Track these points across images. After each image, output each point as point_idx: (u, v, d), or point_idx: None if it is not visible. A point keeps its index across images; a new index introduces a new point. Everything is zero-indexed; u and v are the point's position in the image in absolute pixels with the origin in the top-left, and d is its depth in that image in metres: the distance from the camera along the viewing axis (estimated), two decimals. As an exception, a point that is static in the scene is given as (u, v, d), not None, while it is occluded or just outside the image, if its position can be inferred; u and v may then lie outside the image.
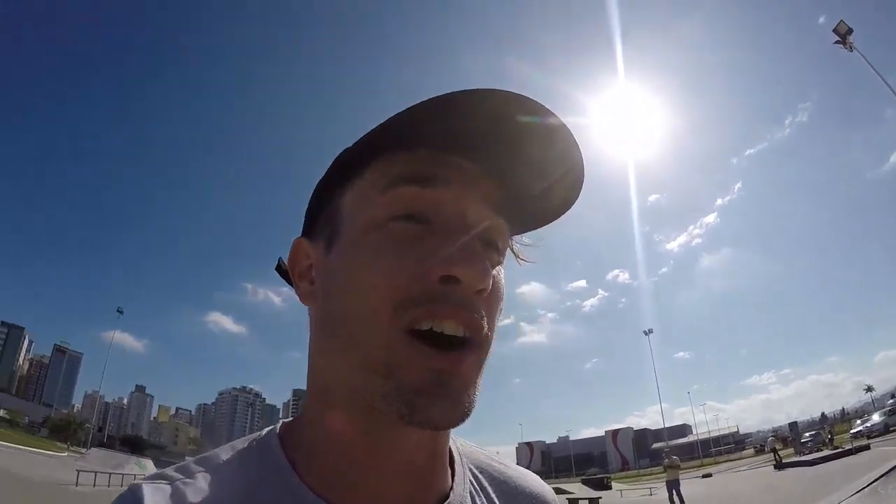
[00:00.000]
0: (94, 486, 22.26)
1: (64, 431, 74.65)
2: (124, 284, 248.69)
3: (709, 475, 35.65)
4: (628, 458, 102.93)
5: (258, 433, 0.51)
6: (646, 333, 72.25)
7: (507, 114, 0.41)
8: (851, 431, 38.14)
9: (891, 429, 32.86)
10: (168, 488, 0.43)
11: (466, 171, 0.44)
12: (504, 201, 0.46)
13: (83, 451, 54.88)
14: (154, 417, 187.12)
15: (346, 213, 0.46)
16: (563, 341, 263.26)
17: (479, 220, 0.44)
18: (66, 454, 47.76)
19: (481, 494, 0.52)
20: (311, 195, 0.52)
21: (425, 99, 0.40)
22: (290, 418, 0.52)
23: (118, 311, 75.70)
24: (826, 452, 22.04)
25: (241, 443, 0.49)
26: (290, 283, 0.53)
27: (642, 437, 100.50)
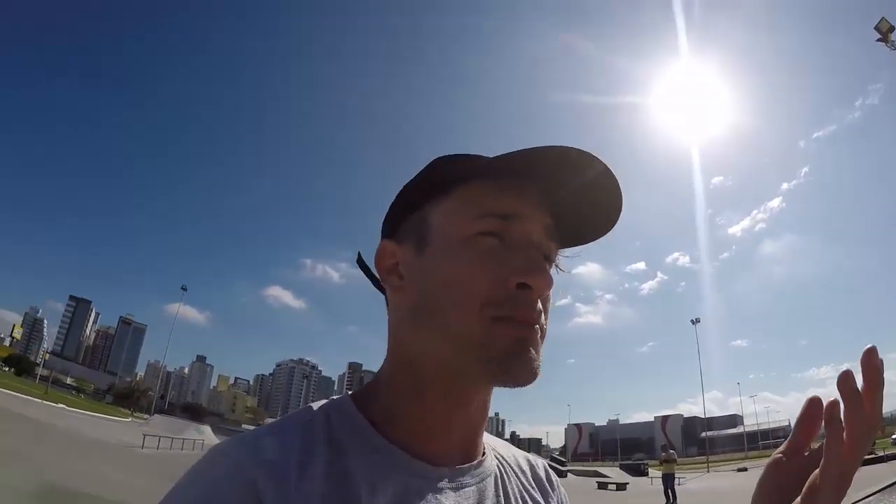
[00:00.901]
0: (158, 448, 24.46)
1: (128, 398, 79.39)
2: (191, 260, 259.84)
3: (744, 469, 35.13)
4: (675, 445, 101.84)
5: (328, 399, 0.60)
6: (693, 322, 70.94)
7: (575, 165, 0.53)
8: (893, 437, 36.32)
9: None
10: (252, 445, 0.50)
11: (535, 204, 0.56)
12: (555, 228, 0.59)
13: (146, 416, 58.31)
14: (213, 387, 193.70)
15: (437, 225, 0.57)
16: (618, 323, 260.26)
17: (540, 240, 0.57)
18: (130, 420, 50.94)
19: (496, 456, 0.65)
20: (392, 204, 0.63)
21: (514, 150, 0.52)
22: (351, 391, 0.62)
23: (182, 287, 79.72)
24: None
25: (312, 406, 0.58)
26: (368, 275, 0.66)
27: (692, 425, 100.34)
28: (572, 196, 0.57)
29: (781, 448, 0.51)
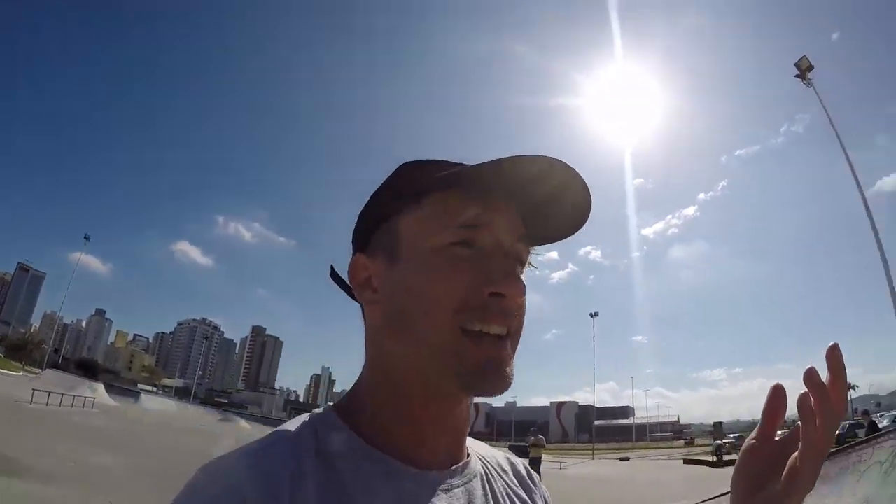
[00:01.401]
0: (47, 404, 23.26)
1: (20, 351, 74.82)
2: (96, 206, 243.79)
3: (626, 458, 37.87)
4: (568, 431, 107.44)
5: (311, 412, 0.61)
6: (592, 316, 73.69)
7: (546, 174, 0.55)
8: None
9: None
10: (244, 462, 0.50)
11: (506, 210, 0.58)
12: (527, 232, 0.61)
13: (38, 371, 54.80)
14: (111, 343, 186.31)
15: (408, 236, 0.58)
16: (525, 309, 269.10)
17: (512, 245, 0.58)
18: (20, 374, 48.43)
19: (480, 459, 0.67)
20: (361, 214, 0.64)
21: (485, 161, 0.54)
22: (334, 403, 0.62)
23: (85, 237, 75.57)
24: (735, 456, 23.59)
25: (297, 422, 0.59)
26: (343, 288, 0.67)
27: (586, 413, 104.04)
28: (543, 201, 0.59)
29: (753, 434, 0.57)
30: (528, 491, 0.70)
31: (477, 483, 0.62)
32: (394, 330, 0.58)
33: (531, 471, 0.75)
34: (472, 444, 0.68)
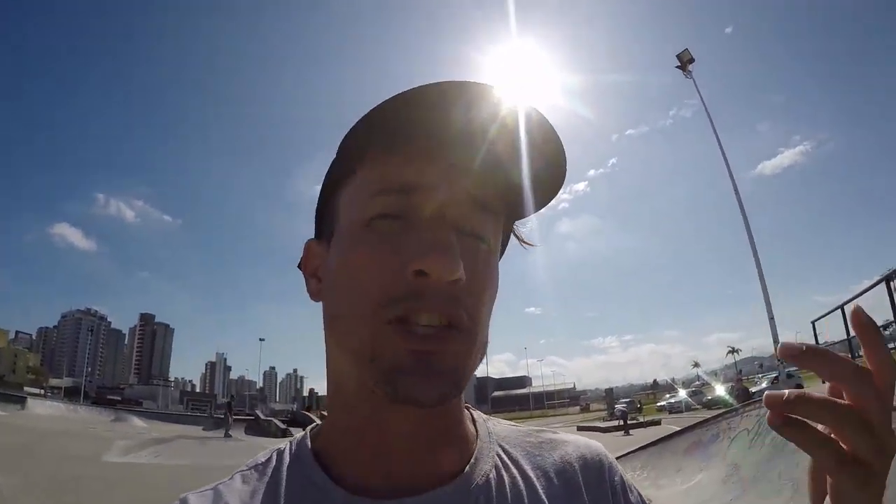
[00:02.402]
0: None
1: None
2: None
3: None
4: (468, 403, 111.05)
5: (304, 430, 0.54)
6: None
7: (482, 107, 0.42)
8: (657, 405, 43.00)
9: (692, 407, 35.56)
10: (210, 493, 0.47)
11: (447, 169, 0.44)
12: (489, 194, 0.47)
13: None
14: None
15: (341, 213, 0.48)
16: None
17: (458, 213, 0.45)
18: None
19: (512, 468, 0.52)
20: (319, 196, 0.54)
21: (401, 92, 0.42)
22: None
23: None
24: (617, 423, 24.94)
25: (283, 443, 0.53)
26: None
27: (483, 385, 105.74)
28: (496, 148, 0.46)
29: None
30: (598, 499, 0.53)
31: (479, 499, 0.48)
32: (331, 329, 0.49)
33: (623, 475, 0.57)
34: (503, 432, 0.56)
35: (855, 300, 7.55)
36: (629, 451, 10.98)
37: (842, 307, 8.93)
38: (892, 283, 6.81)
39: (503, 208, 0.50)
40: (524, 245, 0.54)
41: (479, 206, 0.46)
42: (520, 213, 0.53)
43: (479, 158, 0.45)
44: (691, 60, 19.59)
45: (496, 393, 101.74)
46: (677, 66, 19.89)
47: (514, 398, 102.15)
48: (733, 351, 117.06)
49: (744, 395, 16.42)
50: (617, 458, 0.44)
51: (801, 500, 4.66)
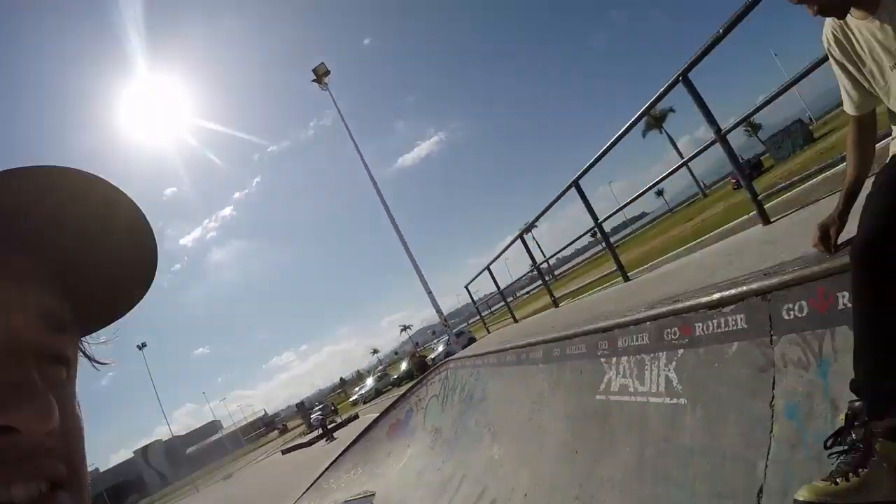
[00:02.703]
0: None
1: None
2: None
3: (230, 475, 36.02)
4: (165, 473, 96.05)
5: None
6: (139, 348, 63.75)
7: (63, 199, 0.35)
8: (351, 400, 43.31)
9: (381, 392, 37.10)
10: None
11: (21, 279, 0.34)
12: (71, 306, 0.37)
13: None
14: None
15: None
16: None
17: (32, 338, 0.33)
18: None
19: None
20: None
21: None
22: None
23: None
24: (318, 432, 24.19)
25: None
26: None
27: (174, 446, 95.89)
28: (81, 249, 0.37)
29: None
30: None
31: None
32: None
33: None
34: None
35: (499, 257, 9.16)
36: (336, 456, 10.94)
37: (488, 267, 9.86)
38: (524, 237, 8.09)
39: (78, 321, 0.39)
40: (95, 365, 0.42)
41: (56, 325, 0.36)
42: (94, 326, 0.41)
43: (60, 260, 0.37)
44: (327, 73, 20.32)
45: (190, 450, 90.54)
46: (313, 80, 20.59)
47: (210, 447, 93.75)
48: (406, 328, 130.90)
49: (422, 366, 18.13)
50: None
51: (500, 438, 5.26)
